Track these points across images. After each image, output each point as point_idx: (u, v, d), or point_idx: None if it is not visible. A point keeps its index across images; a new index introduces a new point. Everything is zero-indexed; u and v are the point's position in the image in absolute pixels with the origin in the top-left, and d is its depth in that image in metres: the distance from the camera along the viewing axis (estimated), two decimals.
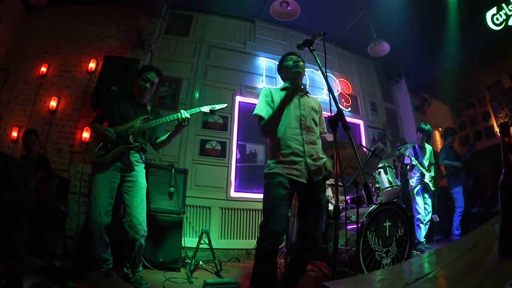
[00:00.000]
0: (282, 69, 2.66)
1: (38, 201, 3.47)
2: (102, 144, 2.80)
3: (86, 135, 4.74)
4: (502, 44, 5.48)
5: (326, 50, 2.08)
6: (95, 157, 2.79)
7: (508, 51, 5.67)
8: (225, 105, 3.15)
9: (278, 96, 2.44)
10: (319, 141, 2.50)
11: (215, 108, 3.06)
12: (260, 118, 2.43)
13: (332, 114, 1.82)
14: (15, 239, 1.81)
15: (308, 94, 2.67)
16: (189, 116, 2.92)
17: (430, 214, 4.98)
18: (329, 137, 5.74)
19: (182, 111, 2.92)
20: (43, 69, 5.18)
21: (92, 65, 5.15)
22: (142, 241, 2.78)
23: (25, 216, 1.92)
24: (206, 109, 3.04)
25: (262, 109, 2.44)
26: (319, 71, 2.10)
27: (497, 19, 5.17)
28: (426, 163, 5.08)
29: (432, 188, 4.97)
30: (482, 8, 5.39)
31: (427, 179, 4.96)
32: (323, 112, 2.70)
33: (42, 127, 4.75)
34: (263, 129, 2.42)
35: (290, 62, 2.54)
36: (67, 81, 5.16)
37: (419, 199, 4.97)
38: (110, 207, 2.78)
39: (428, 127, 5.18)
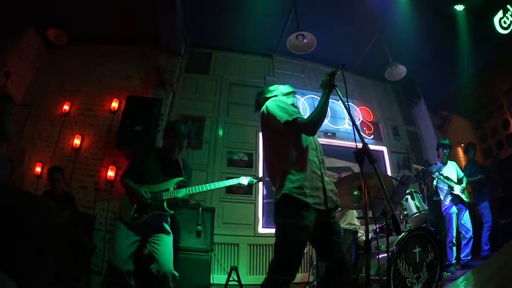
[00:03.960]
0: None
1: (64, 238, 3.46)
2: (136, 206, 2.74)
3: (111, 173, 4.77)
4: None
5: (345, 79, 2.06)
6: (128, 219, 2.73)
7: None
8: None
9: (290, 101, 2.32)
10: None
11: (253, 182, 3.09)
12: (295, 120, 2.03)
13: (358, 148, 1.81)
14: (41, 275, 1.82)
15: None
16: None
17: (471, 231, 4.73)
18: (354, 166, 5.61)
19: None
20: (66, 107, 5.23)
21: (114, 104, 5.23)
22: (171, 284, 2.68)
23: (51, 252, 1.92)
24: (245, 181, 3.07)
25: (291, 111, 2.09)
26: (340, 101, 2.05)
27: (505, 22, 5.18)
28: (455, 178, 4.90)
29: (466, 200, 4.79)
30: (488, 13, 5.40)
31: (457, 191, 4.77)
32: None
33: (67, 164, 4.78)
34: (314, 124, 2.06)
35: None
36: (90, 119, 5.24)
37: (451, 218, 4.73)
38: (131, 257, 2.68)
39: (447, 141, 5.12)
